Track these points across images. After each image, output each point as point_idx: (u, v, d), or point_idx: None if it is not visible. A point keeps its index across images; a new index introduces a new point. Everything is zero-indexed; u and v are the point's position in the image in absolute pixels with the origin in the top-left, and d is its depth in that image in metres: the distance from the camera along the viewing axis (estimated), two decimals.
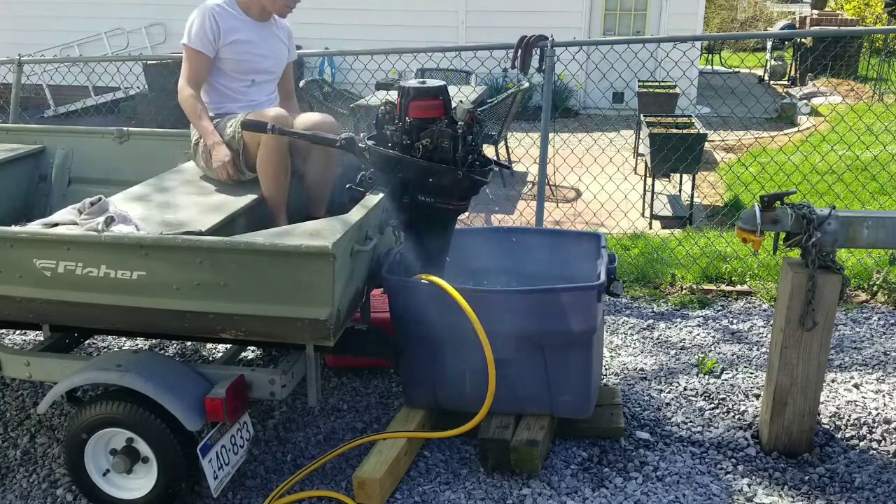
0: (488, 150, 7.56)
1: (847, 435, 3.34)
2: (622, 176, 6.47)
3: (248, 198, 3.37)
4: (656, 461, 3.18)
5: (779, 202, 2.98)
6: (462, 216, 4.00)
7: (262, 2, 3.55)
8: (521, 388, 3.12)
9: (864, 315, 4.53)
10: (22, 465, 3.28)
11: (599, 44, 7.05)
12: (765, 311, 4.61)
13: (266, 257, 2.58)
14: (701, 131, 6.44)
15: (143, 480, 2.88)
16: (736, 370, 3.91)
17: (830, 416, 3.47)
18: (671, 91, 8.43)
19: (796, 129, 10.04)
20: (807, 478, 3.06)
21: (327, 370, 3.91)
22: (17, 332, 4.33)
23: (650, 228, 6.35)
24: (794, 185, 6.41)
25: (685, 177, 6.74)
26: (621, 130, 9.43)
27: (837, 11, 15.94)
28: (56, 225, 2.82)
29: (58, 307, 2.81)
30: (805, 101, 11.37)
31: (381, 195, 3.04)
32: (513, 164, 8.24)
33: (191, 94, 3.48)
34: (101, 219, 2.75)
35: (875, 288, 4.79)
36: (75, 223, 2.80)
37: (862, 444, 3.28)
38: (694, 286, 4.92)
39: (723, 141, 9.26)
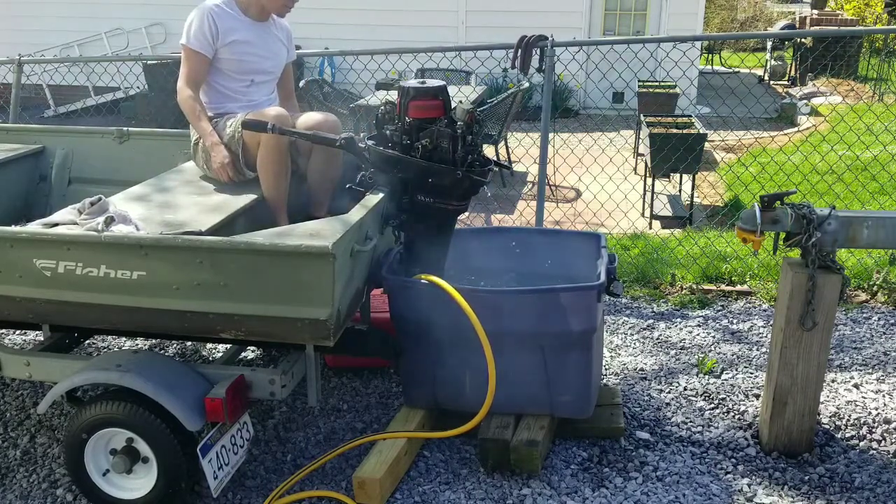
0: (488, 150, 7.57)
1: (847, 435, 3.34)
2: (622, 176, 6.47)
3: (248, 198, 3.37)
4: (656, 461, 3.18)
5: (779, 202, 2.98)
6: (462, 216, 4.00)
7: (261, 1, 3.55)
8: (520, 388, 3.12)
9: (864, 315, 4.53)
10: (22, 465, 3.28)
11: (599, 44, 7.06)
12: (765, 311, 4.61)
13: (266, 257, 2.58)
14: (701, 131, 6.44)
15: (143, 480, 2.88)
16: (736, 370, 3.91)
17: (830, 416, 3.47)
18: (671, 91, 8.43)
19: (796, 129, 10.04)
20: (807, 478, 3.07)
21: (327, 370, 3.91)
22: (17, 332, 4.33)
23: (650, 228, 6.35)
24: (794, 185, 6.41)
25: (685, 177, 6.74)
26: (621, 130, 9.43)
27: (837, 11, 15.94)
28: (56, 225, 2.82)
29: (58, 307, 2.81)
30: (805, 101, 11.37)
31: (381, 195, 3.04)
32: (513, 164, 8.24)
33: (189, 94, 3.48)
34: (101, 219, 2.75)
35: (875, 288, 4.79)
36: (75, 223, 2.80)
37: (862, 444, 3.28)
38: (694, 286, 4.92)
39: (723, 141, 9.26)
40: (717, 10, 19.64)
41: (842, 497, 2.96)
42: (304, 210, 3.63)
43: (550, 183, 7.30)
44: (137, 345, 4.11)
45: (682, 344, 4.22)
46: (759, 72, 14.67)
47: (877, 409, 3.53)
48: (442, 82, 3.08)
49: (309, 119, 3.54)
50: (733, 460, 3.19)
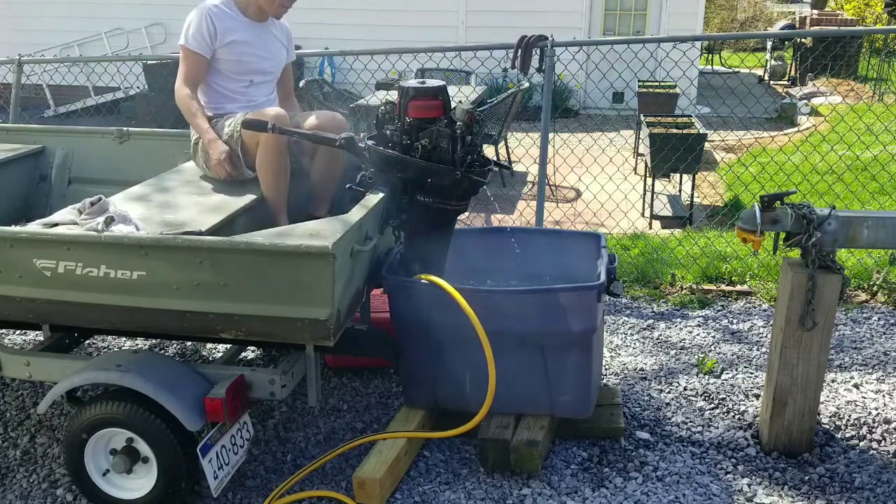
0: (488, 150, 7.57)
1: (847, 435, 3.34)
2: (622, 176, 6.48)
3: (248, 198, 3.37)
4: (656, 461, 3.18)
5: (779, 202, 2.98)
6: (462, 216, 4.00)
7: (258, 2, 3.55)
8: (521, 388, 3.12)
9: (864, 315, 4.53)
10: (22, 465, 3.28)
11: (599, 44, 7.06)
12: (765, 311, 4.61)
13: (266, 257, 2.58)
14: (701, 131, 6.44)
15: (143, 480, 2.88)
16: (736, 370, 3.91)
17: (830, 416, 3.47)
18: (671, 91, 8.43)
19: (796, 129, 10.04)
20: (807, 478, 3.06)
21: (327, 370, 3.91)
22: (17, 332, 4.33)
23: (650, 228, 6.35)
24: (794, 185, 6.41)
25: (685, 177, 6.74)
26: (621, 130, 9.43)
27: (837, 11, 15.94)
28: (56, 225, 2.82)
29: (58, 307, 2.81)
30: (805, 101, 11.37)
31: (381, 195, 3.04)
32: (513, 164, 8.24)
33: (187, 93, 3.48)
34: (101, 219, 2.75)
35: (875, 288, 4.79)
36: (75, 223, 2.80)
37: (862, 444, 3.28)
38: (694, 286, 4.92)
39: (723, 141, 9.26)
40: (717, 10, 19.64)
41: (842, 497, 2.96)
42: (305, 210, 3.64)
43: (550, 183, 7.30)
44: (137, 345, 4.11)
45: (682, 344, 4.22)
46: (759, 72, 14.67)
47: (877, 409, 3.53)
48: (442, 82, 3.08)
49: (316, 118, 3.55)
50: (733, 460, 3.19)
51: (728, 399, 3.64)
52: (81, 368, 2.92)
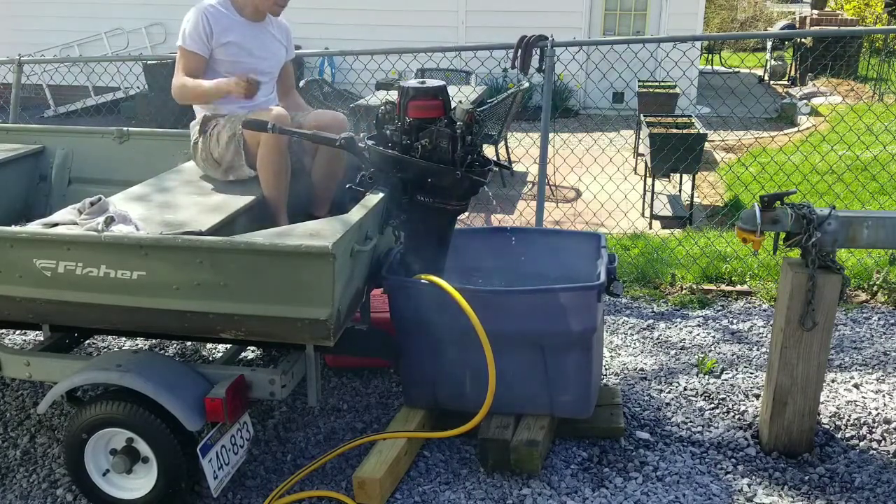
0: (488, 150, 7.57)
1: (847, 435, 3.34)
2: (622, 176, 6.47)
3: (248, 198, 3.37)
4: (656, 461, 3.18)
5: (779, 202, 2.98)
6: (462, 216, 4.00)
7: (254, 1, 3.55)
8: (521, 388, 3.12)
9: (864, 315, 4.53)
10: (22, 465, 3.28)
11: (599, 44, 7.06)
12: (765, 311, 4.61)
13: (266, 257, 2.58)
14: (701, 131, 6.44)
15: (143, 480, 2.88)
16: (736, 370, 3.91)
17: (830, 416, 3.47)
18: (671, 91, 8.43)
19: (796, 129, 10.04)
20: (807, 478, 3.06)
21: (327, 370, 3.91)
22: (17, 332, 4.33)
23: (650, 228, 6.35)
24: (794, 185, 6.41)
25: (685, 177, 6.74)
26: (621, 130, 9.43)
27: (837, 11, 15.94)
28: (56, 225, 2.82)
29: (58, 307, 2.81)
30: (805, 101, 11.37)
31: (381, 195, 3.04)
32: (513, 164, 8.24)
33: (184, 81, 3.45)
34: (101, 219, 2.75)
35: (875, 288, 4.79)
36: (75, 223, 2.80)
37: (862, 444, 3.28)
38: (694, 286, 4.92)
39: (723, 141, 9.26)
40: (717, 10, 19.64)
41: (842, 497, 2.96)
42: (305, 209, 3.64)
43: (550, 183, 7.30)
44: (137, 345, 4.11)
45: (682, 344, 4.22)
46: (759, 72, 14.67)
47: (877, 409, 3.53)
48: (442, 82, 3.08)
49: (319, 118, 3.55)
50: (733, 460, 3.19)
51: (728, 399, 3.64)
52: (81, 368, 2.92)
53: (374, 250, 3.06)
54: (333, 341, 2.69)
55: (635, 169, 8.04)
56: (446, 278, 3.01)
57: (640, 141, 7.71)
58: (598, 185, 6.12)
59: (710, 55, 15.37)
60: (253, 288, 2.63)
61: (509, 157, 8.26)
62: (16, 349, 3.46)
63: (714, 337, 4.30)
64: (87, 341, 4.05)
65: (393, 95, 3.21)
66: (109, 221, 2.75)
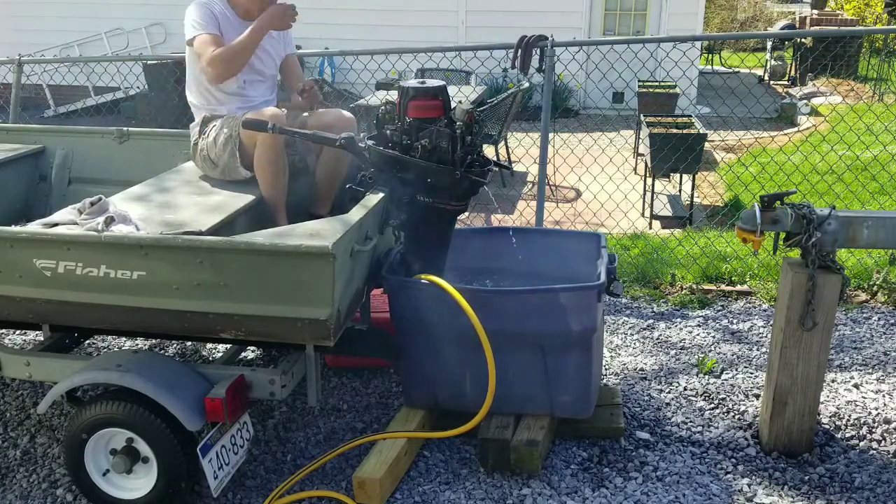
0: (488, 150, 7.57)
1: (847, 435, 3.34)
2: (622, 176, 6.47)
3: (248, 198, 3.37)
4: (656, 461, 3.18)
5: (779, 202, 2.98)
6: (462, 216, 4.00)
7: (244, 4, 3.54)
8: (520, 388, 3.12)
9: (864, 315, 4.53)
10: (22, 465, 3.28)
11: (599, 44, 7.06)
12: (765, 311, 4.61)
13: (266, 257, 2.58)
14: (701, 131, 6.44)
15: (143, 480, 2.88)
16: (736, 370, 3.91)
17: (830, 416, 3.47)
18: (671, 91, 8.43)
19: (796, 129, 10.04)
20: (807, 478, 3.06)
21: (327, 370, 3.91)
22: (17, 332, 4.33)
23: (650, 228, 6.35)
24: (794, 185, 6.41)
25: (685, 177, 6.74)
26: (621, 130, 9.43)
27: (837, 11, 15.94)
28: (56, 225, 2.82)
29: (58, 307, 2.81)
30: (805, 101, 11.37)
31: (381, 195, 3.04)
32: (513, 164, 8.24)
33: (215, 52, 3.37)
34: (101, 219, 2.75)
35: (875, 288, 4.79)
36: (75, 223, 2.80)
37: (862, 444, 3.28)
38: (694, 286, 4.92)
39: (723, 141, 9.26)
40: (717, 10, 19.64)
41: (842, 497, 2.96)
42: (305, 209, 3.63)
43: (550, 183, 7.30)
44: (137, 345, 4.11)
45: (682, 344, 4.22)
46: (759, 72, 14.67)
47: (877, 409, 3.53)
48: (442, 82, 3.07)
49: (326, 117, 3.54)
50: (733, 460, 3.19)
51: (728, 399, 3.64)
52: (81, 368, 2.92)
53: (374, 250, 3.06)
54: (333, 341, 2.69)
55: (635, 169, 8.04)
56: (446, 278, 3.01)
57: (640, 141, 7.71)
58: (598, 185, 6.12)
59: (710, 55, 15.37)
60: (253, 288, 2.63)
61: (509, 157, 8.26)
62: (16, 349, 3.46)
63: (714, 337, 4.30)
64: (87, 341, 4.05)
65: (393, 95, 3.20)
66: (109, 221, 2.75)
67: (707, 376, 3.85)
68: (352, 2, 11.43)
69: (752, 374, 3.87)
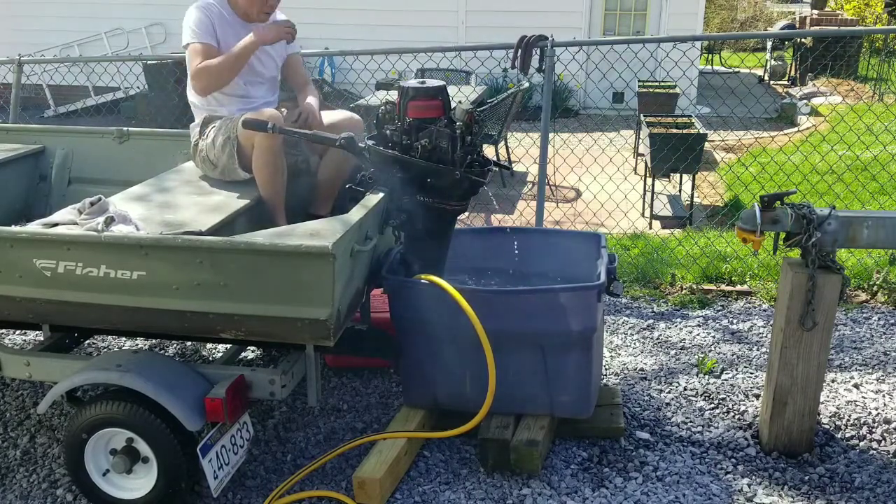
0: (488, 151, 7.57)
1: (847, 435, 3.34)
2: (622, 176, 6.47)
3: (248, 198, 3.37)
4: (656, 461, 3.18)
5: (779, 202, 2.98)
6: (462, 216, 4.00)
7: (243, 7, 3.54)
8: (520, 388, 3.12)
9: (864, 315, 4.53)
10: (22, 465, 3.28)
11: (599, 44, 7.06)
12: (765, 311, 4.61)
13: (266, 257, 2.58)
14: (701, 131, 6.44)
15: (143, 480, 2.88)
16: (736, 370, 3.91)
17: (830, 416, 3.47)
18: (671, 91, 8.43)
19: (796, 129, 10.04)
20: (807, 478, 3.06)
21: (327, 370, 3.91)
22: (17, 332, 4.33)
23: (650, 228, 6.35)
24: (794, 185, 6.41)
25: (685, 177, 6.74)
26: (621, 130, 9.43)
27: (837, 11, 15.94)
28: (56, 225, 2.82)
29: (58, 307, 2.81)
30: (805, 101, 11.36)
31: (381, 195, 3.04)
32: (513, 164, 8.24)
33: (203, 64, 3.38)
34: (101, 219, 2.75)
35: (875, 288, 4.79)
36: (75, 223, 2.80)
37: (862, 444, 3.28)
38: (694, 286, 4.92)
39: (723, 141, 9.26)
40: (717, 10, 19.64)
41: (842, 497, 2.96)
42: (304, 209, 3.63)
43: (550, 183, 7.30)
44: (137, 345, 4.11)
45: (682, 344, 4.22)
46: (759, 72, 14.67)
47: (877, 409, 3.53)
48: (442, 82, 3.07)
49: (331, 117, 3.54)
50: (733, 460, 3.19)
51: (728, 399, 3.64)
52: (81, 368, 2.92)
53: (374, 250, 3.06)
54: (333, 341, 2.69)
55: (635, 169, 8.04)
56: (446, 278, 3.01)
57: (640, 141, 7.71)
58: (598, 185, 6.12)
59: (710, 55, 15.36)
60: (253, 288, 2.63)
61: (509, 157, 8.26)
62: (16, 349, 3.46)
63: (714, 337, 4.30)
64: (87, 341, 4.05)
65: (393, 95, 3.20)
66: (109, 221, 2.75)
67: (707, 376, 3.85)
68: (352, 2, 11.42)
69: (752, 374, 3.87)
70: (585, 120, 10.59)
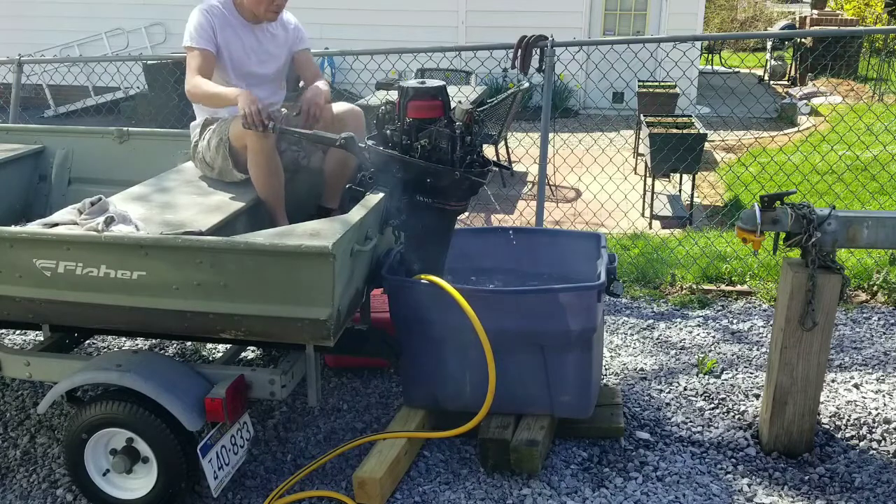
0: (488, 151, 7.57)
1: (847, 435, 3.34)
2: (622, 176, 6.47)
3: (248, 198, 3.37)
4: (656, 461, 3.18)
5: (779, 202, 2.98)
6: (462, 216, 4.00)
7: (249, 7, 3.54)
8: (521, 389, 3.12)
9: (864, 315, 4.53)
10: (22, 465, 3.28)
11: (599, 44, 7.06)
12: (765, 311, 4.61)
13: (266, 257, 2.58)
14: (701, 131, 6.44)
15: (143, 480, 2.88)
16: (736, 370, 3.91)
17: (830, 416, 3.47)
18: (671, 91, 8.43)
19: (796, 129, 10.04)
20: (807, 478, 3.07)
21: (327, 370, 3.91)
22: (17, 332, 4.33)
23: (650, 228, 6.35)
24: (794, 185, 6.41)
25: (685, 177, 6.74)
26: (621, 130, 9.43)
27: (837, 11, 15.94)
28: (56, 225, 2.82)
29: (58, 307, 2.81)
30: (805, 101, 11.37)
31: (381, 195, 3.04)
32: (513, 164, 8.24)
33: (197, 81, 3.40)
34: (101, 219, 2.75)
35: (875, 288, 4.79)
36: (75, 223, 2.80)
37: (862, 444, 3.28)
38: (694, 286, 4.92)
39: (723, 141, 9.26)
40: (717, 10, 19.63)
41: (842, 497, 2.96)
42: (314, 203, 3.62)
43: (550, 183, 7.31)
44: (137, 345, 4.11)
45: (682, 344, 4.22)
46: (759, 72, 14.67)
47: (877, 409, 3.53)
48: (442, 82, 3.07)
49: (334, 108, 3.54)
50: (733, 460, 3.19)
51: (728, 399, 3.64)
52: (81, 368, 2.92)
53: (374, 250, 3.06)
54: (333, 341, 2.69)
55: (635, 169, 8.04)
56: (447, 279, 3.01)
57: (640, 141, 7.71)
58: (598, 185, 6.12)
59: (710, 55, 15.36)
60: (253, 288, 2.63)
61: (509, 157, 8.26)
62: (16, 349, 3.46)
63: (714, 337, 4.30)
64: (87, 341, 4.05)
65: (393, 95, 3.20)
66: (109, 221, 2.75)
67: (707, 376, 3.85)
68: (352, 2, 11.43)
69: (752, 374, 3.87)
70: (585, 120, 10.59)
